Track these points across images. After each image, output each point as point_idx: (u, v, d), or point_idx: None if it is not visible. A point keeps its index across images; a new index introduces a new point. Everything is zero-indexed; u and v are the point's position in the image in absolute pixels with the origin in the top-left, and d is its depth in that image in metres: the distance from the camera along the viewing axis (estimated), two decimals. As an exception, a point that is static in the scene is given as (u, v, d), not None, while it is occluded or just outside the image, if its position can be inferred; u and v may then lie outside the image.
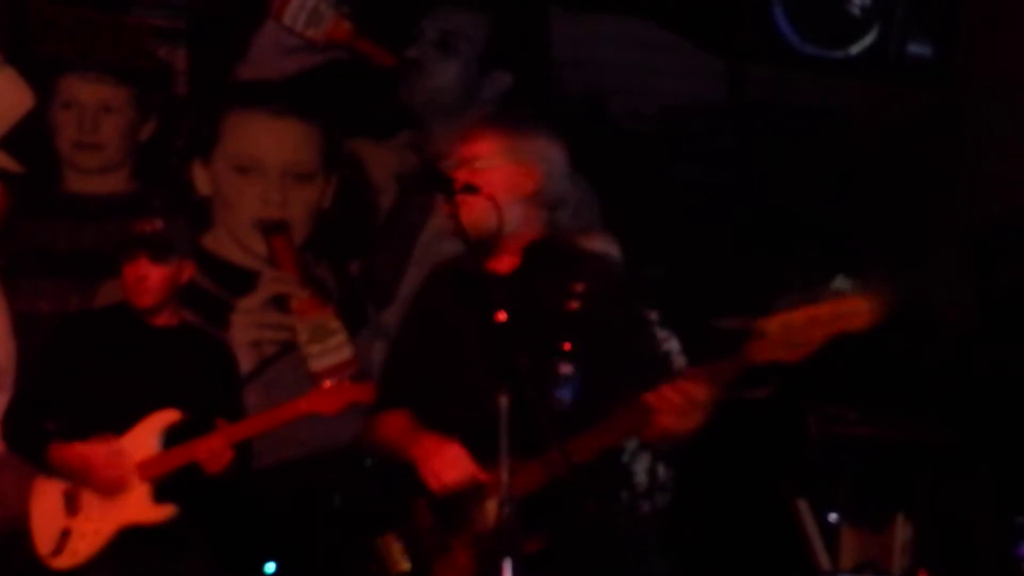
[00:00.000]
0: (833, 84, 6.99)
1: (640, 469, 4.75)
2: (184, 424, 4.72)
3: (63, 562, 4.66)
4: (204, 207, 6.41)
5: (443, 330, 3.84)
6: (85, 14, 6.24)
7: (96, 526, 4.66)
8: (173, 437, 4.72)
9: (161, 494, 4.68)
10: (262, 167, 6.49)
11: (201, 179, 6.43)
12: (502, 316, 3.57)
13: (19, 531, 4.75)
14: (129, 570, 4.67)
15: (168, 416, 4.72)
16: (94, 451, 4.68)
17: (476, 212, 3.72)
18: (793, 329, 3.36)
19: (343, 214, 6.66)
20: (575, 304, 3.74)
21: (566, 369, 3.73)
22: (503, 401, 3.46)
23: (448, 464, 3.64)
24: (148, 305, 4.85)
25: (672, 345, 4.81)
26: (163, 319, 4.90)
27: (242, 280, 6.40)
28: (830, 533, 5.82)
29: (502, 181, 3.73)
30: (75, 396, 4.77)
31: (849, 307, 3.34)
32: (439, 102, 6.85)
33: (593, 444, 3.68)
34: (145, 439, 4.70)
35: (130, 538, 4.67)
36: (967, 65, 6.61)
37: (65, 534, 4.67)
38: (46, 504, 4.72)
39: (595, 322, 3.76)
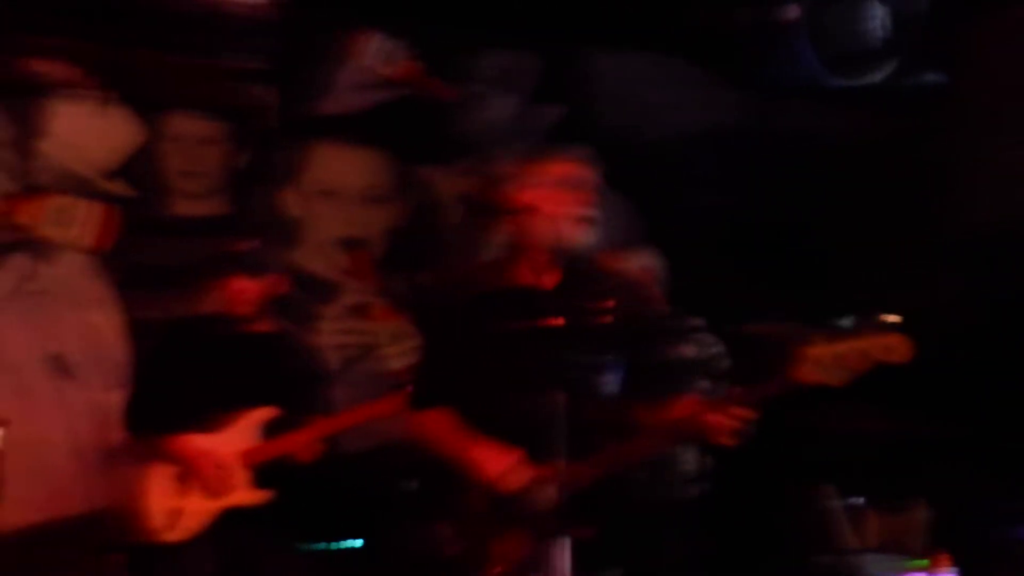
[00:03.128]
0: (832, 109, 6.97)
1: (690, 458, 4.86)
2: (280, 419, 4.81)
3: (173, 537, 4.74)
4: (293, 227, 6.53)
5: (489, 337, 3.81)
6: (185, 59, 6.34)
7: (202, 506, 4.75)
8: (270, 430, 4.81)
9: (259, 480, 4.77)
10: (343, 191, 6.61)
11: (290, 202, 6.55)
12: (559, 322, 3.72)
13: (136, 509, 4.81)
14: (230, 546, 4.74)
15: (266, 412, 4.81)
16: (204, 441, 4.78)
17: (532, 230, 3.78)
18: (842, 357, 3.49)
19: (414, 232, 6.76)
20: (608, 318, 3.79)
21: (607, 377, 3.82)
22: (560, 398, 3.56)
23: (511, 471, 3.67)
24: (245, 314, 4.96)
25: (718, 349, 4.90)
26: (259, 326, 5.00)
27: (327, 291, 6.52)
28: (855, 516, 5.88)
29: (553, 204, 3.77)
30: (184, 392, 4.85)
31: (891, 342, 3.47)
32: (497, 131, 6.94)
33: (642, 449, 3.83)
34: (246, 431, 4.79)
35: (231, 518, 4.75)
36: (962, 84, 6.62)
37: (176, 512, 4.76)
38: (160, 486, 4.80)
39: (626, 334, 3.83)
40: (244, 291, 4.95)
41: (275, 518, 4.77)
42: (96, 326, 6.08)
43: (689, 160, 7.00)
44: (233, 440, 4.80)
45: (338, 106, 6.71)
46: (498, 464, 3.68)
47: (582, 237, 3.80)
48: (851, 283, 6.36)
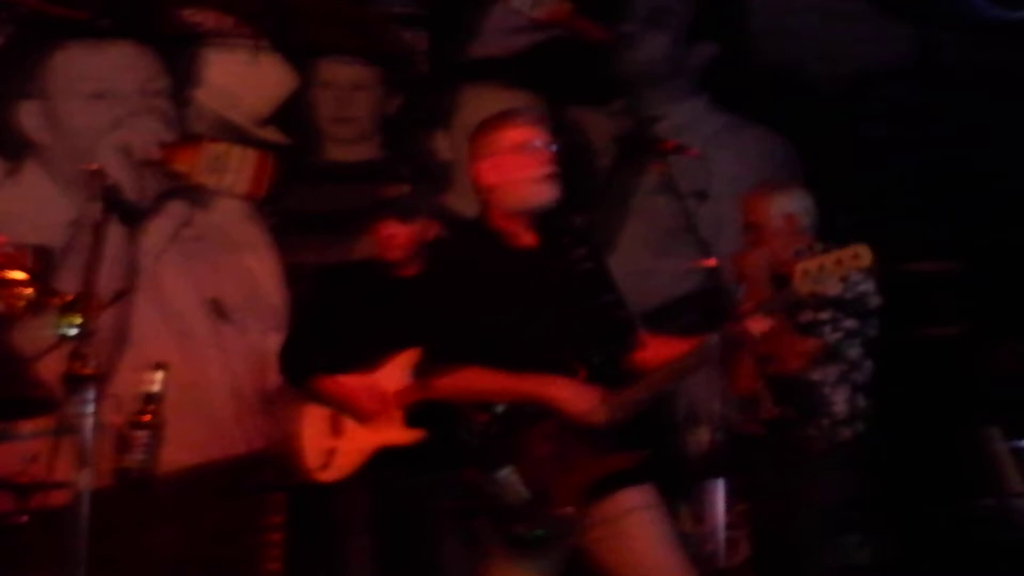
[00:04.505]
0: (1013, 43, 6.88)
1: (840, 399, 4.82)
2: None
3: (328, 476, 4.86)
4: (445, 171, 6.57)
5: (502, 290, 3.93)
6: (336, 6, 6.47)
7: (357, 446, 4.86)
8: (423, 370, 4.78)
9: (411, 420, 4.85)
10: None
11: (442, 146, 6.61)
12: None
13: (293, 449, 4.95)
14: (382, 484, 4.84)
15: (417, 353, 4.77)
16: (356, 383, 4.88)
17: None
18: (824, 268, 3.84)
19: (567, 174, 6.81)
20: (589, 264, 4.00)
21: (618, 315, 4.01)
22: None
23: (582, 393, 3.79)
24: (397, 259, 5.02)
25: (867, 287, 4.88)
26: (410, 270, 5.03)
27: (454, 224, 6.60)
28: (1021, 459, 5.78)
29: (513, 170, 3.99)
30: (337, 336, 4.95)
31: (858, 251, 3.85)
32: (649, 71, 6.94)
33: (668, 378, 3.97)
34: (397, 373, 4.85)
35: (384, 456, 4.85)
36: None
37: (331, 452, 4.88)
38: (315, 427, 4.92)
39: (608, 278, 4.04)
40: (395, 236, 5.02)
41: (424, 457, 4.82)
42: (252, 271, 6.24)
43: (855, 96, 6.93)
44: (386, 380, 4.88)
45: (489, 49, 6.77)
46: (585, 399, 3.79)
47: (548, 195, 3.98)
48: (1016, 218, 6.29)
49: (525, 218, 4.00)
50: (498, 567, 3.87)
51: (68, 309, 3.72)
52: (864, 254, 3.86)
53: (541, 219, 4.02)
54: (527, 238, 4.00)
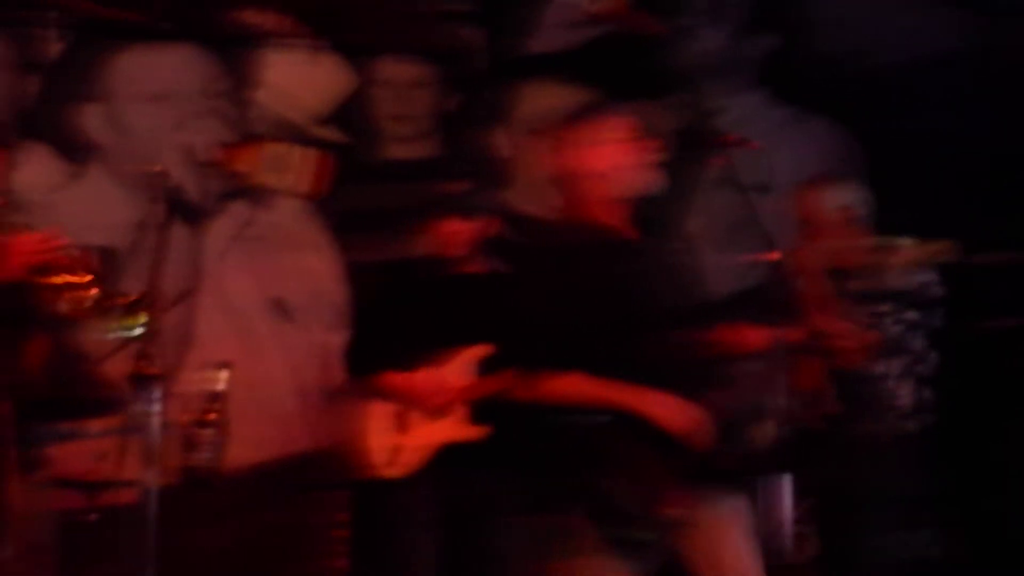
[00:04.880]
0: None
1: (905, 392, 4.82)
2: (495, 356, 4.84)
3: (393, 472, 4.88)
4: (503, 167, 6.61)
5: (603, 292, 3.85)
6: (393, 4, 6.48)
7: (421, 442, 4.88)
8: (486, 368, 4.89)
9: (476, 416, 4.89)
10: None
11: (500, 143, 6.66)
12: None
13: (357, 446, 4.97)
14: (448, 481, 4.87)
15: (481, 350, 4.88)
16: (422, 378, 4.91)
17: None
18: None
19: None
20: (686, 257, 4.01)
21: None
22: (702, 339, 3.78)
23: (684, 410, 3.75)
24: (458, 256, 5.05)
25: (928, 277, 4.86)
26: (472, 267, 5.07)
27: (536, 226, 6.63)
28: None
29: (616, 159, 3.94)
30: (401, 332, 4.95)
31: (941, 247, 3.98)
32: (708, 64, 6.93)
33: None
34: (463, 369, 4.90)
35: (449, 454, 4.88)
36: None
37: (395, 449, 4.89)
38: (380, 423, 4.94)
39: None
40: (457, 233, 5.05)
41: (490, 454, 4.84)
42: (314, 270, 6.29)
43: (915, 85, 6.88)
44: (450, 377, 4.91)
45: (546, 45, 6.78)
46: (689, 417, 3.76)
47: (654, 183, 3.92)
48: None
49: (628, 208, 3.93)
50: (595, 568, 3.84)
51: (132, 309, 3.76)
52: (946, 250, 3.79)
53: (639, 211, 3.95)
54: (629, 230, 3.94)
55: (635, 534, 3.78)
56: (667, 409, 3.74)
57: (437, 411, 4.90)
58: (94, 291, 3.80)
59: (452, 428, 4.90)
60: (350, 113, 6.44)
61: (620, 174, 3.90)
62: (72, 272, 3.82)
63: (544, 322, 3.85)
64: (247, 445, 5.50)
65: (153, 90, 6.16)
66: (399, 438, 4.95)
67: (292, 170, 6.28)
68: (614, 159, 3.89)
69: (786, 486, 4.91)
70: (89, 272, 3.83)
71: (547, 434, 3.89)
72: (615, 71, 6.75)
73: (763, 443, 5.57)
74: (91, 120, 6.08)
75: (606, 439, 3.80)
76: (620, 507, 3.76)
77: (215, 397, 4.80)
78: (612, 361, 3.76)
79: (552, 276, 3.88)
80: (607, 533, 3.78)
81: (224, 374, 4.87)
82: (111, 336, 3.84)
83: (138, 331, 3.76)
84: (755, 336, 3.95)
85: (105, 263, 5.61)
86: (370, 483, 4.96)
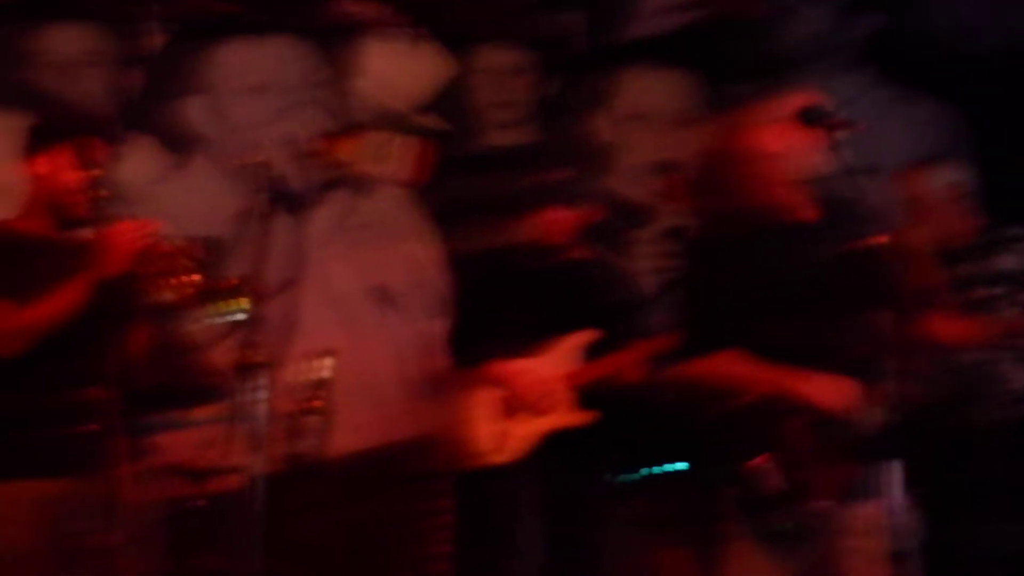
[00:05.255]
0: None
1: (1018, 376, 4.77)
2: (600, 343, 4.88)
3: (497, 458, 4.89)
4: (605, 153, 6.60)
5: (776, 272, 3.80)
6: (490, -7, 6.51)
7: (527, 429, 4.87)
8: (591, 354, 4.90)
9: (582, 402, 4.86)
10: (654, 115, 6.64)
11: (601, 128, 6.62)
12: (877, 240, 3.65)
13: (462, 433, 4.99)
14: (552, 468, 4.85)
15: (586, 336, 4.88)
16: (527, 365, 4.90)
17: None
18: None
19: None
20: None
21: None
22: (885, 320, 3.62)
23: (835, 388, 3.69)
24: (561, 244, 5.04)
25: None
26: (575, 253, 5.06)
27: (641, 215, 6.58)
28: None
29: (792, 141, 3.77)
30: (505, 319, 4.97)
31: None
32: (810, 45, 6.83)
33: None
34: (567, 355, 4.88)
35: (554, 440, 4.86)
36: None
37: (500, 435, 4.90)
38: (485, 410, 4.94)
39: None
40: (559, 221, 5.04)
41: (599, 440, 4.86)
42: (416, 258, 6.33)
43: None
44: (555, 363, 4.91)
45: (645, 29, 6.74)
46: (834, 393, 3.70)
47: (824, 167, 3.76)
48: None
49: (805, 189, 3.84)
50: (744, 556, 3.83)
51: (235, 292, 3.78)
52: None
53: (820, 191, 3.85)
54: (807, 212, 3.86)
55: (782, 525, 3.77)
56: (821, 389, 3.70)
57: (542, 398, 4.89)
58: (197, 277, 3.82)
59: (558, 415, 4.89)
60: (450, 101, 6.47)
61: (798, 155, 3.79)
62: (174, 259, 3.85)
63: (719, 304, 3.84)
64: (351, 433, 5.53)
65: (254, 81, 6.23)
66: (504, 425, 4.95)
67: (393, 159, 6.32)
68: (787, 139, 3.79)
69: (895, 472, 4.84)
70: (191, 259, 3.85)
71: (662, 420, 3.87)
72: (716, 55, 6.72)
73: (872, 429, 5.49)
74: (194, 112, 6.15)
75: (754, 424, 3.78)
76: (767, 495, 3.74)
77: (319, 385, 4.83)
78: (782, 345, 3.73)
79: (733, 260, 3.86)
80: (755, 522, 3.78)
81: (328, 362, 4.90)
82: (215, 321, 3.85)
83: (241, 314, 3.77)
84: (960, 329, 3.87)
85: (209, 253, 5.70)
86: (475, 470, 4.97)
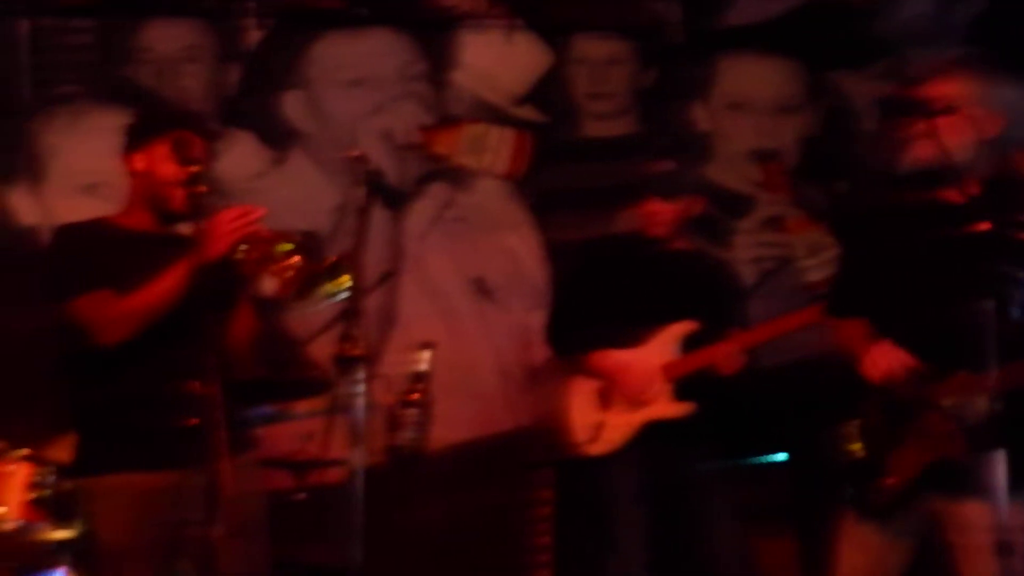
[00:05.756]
0: None
1: None
2: (699, 332, 4.88)
3: (597, 449, 4.90)
4: (704, 142, 6.54)
5: (911, 248, 3.84)
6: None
7: (625, 419, 4.88)
8: (690, 343, 4.90)
9: (681, 393, 4.86)
10: (753, 103, 6.58)
11: (700, 117, 6.58)
12: (983, 228, 3.69)
13: (561, 424, 5.01)
14: (651, 458, 4.85)
15: (686, 326, 4.88)
16: (625, 355, 4.90)
17: (950, 140, 3.73)
18: None
19: (828, 140, 6.68)
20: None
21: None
22: (988, 307, 3.54)
23: (883, 354, 3.75)
24: (661, 235, 5.02)
25: None
26: (676, 245, 5.04)
27: (741, 205, 6.53)
28: None
29: (966, 124, 3.73)
30: (604, 310, 4.97)
31: None
32: (913, 30, 6.74)
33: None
34: (667, 345, 4.88)
35: (653, 430, 4.86)
36: None
37: (599, 426, 4.91)
38: (583, 401, 4.96)
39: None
40: (659, 212, 5.01)
41: (695, 431, 4.85)
42: (513, 250, 6.33)
43: None
44: (654, 354, 4.90)
45: (744, 16, 6.68)
46: (885, 361, 3.75)
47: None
48: None
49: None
50: (849, 526, 3.92)
51: (334, 272, 3.78)
52: None
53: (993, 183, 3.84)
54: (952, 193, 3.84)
55: (849, 494, 3.85)
56: (875, 356, 3.77)
57: (642, 388, 4.88)
58: (296, 259, 3.82)
59: (657, 405, 4.89)
60: (547, 92, 6.44)
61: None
62: (274, 244, 3.86)
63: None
64: (451, 424, 5.55)
65: (352, 75, 6.27)
66: (603, 415, 4.95)
67: (490, 151, 6.32)
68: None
69: (1000, 462, 4.76)
70: (289, 242, 3.86)
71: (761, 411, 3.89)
72: (816, 40, 6.65)
73: (975, 418, 5.40)
74: (292, 107, 6.20)
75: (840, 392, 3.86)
76: (844, 464, 3.83)
77: (419, 377, 4.84)
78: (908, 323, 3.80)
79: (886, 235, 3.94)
80: (838, 491, 3.85)
81: (427, 354, 4.91)
82: (319, 307, 3.86)
83: (343, 295, 3.77)
84: None
85: (308, 246, 5.75)
86: (574, 461, 4.98)
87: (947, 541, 3.83)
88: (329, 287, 3.76)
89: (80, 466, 3.98)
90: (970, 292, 3.60)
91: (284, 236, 3.88)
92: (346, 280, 3.75)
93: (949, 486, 3.77)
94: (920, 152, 3.78)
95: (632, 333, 4.94)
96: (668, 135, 6.50)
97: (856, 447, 3.83)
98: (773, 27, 6.68)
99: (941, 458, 3.75)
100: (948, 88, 3.76)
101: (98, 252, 3.99)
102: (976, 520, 3.70)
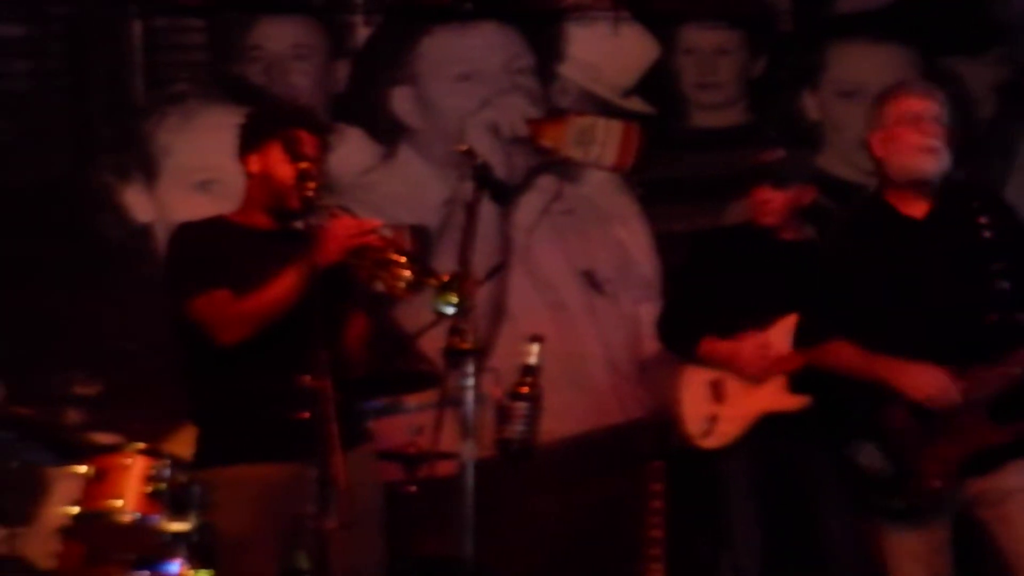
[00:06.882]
0: None
1: None
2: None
3: (711, 443, 4.91)
4: (815, 131, 6.46)
5: (878, 266, 4.01)
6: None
7: (740, 412, 4.87)
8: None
9: (796, 385, 4.81)
10: (865, 90, 6.47)
11: (810, 106, 6.50)
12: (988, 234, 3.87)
13: (674, 417, 5.02)
14: (765, 452, 4.84)
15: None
16: (742, 346, 4.90)
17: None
18: None
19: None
20: (988, 233, 3.92)
21: (1001, 286, 3.89)
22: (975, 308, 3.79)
23: (932, 379, 3.83)
24: (772, 224, 5.00)
25: None
26: (787, 235, 5.02)
27: (853, 194, 6.30)
28: None
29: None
30: (716, 300, 4.97)
31: None
32: (1030, 15, 6.69)
33: None
34: (782, 337, 4.79)
35: (767, 424, 4.84)
36: None
37: (713, 419, 4.91)
38: (696, 393, 4.97)
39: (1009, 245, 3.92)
40: (770, 202, 5.00)
41: (809, 425, 4.80)
42: (623, 242, 6.30)
43: None
44: (769, 346, 4.88)
45: (856, 3, 6.60)
46: (930, 383, 3.83)
47: (929, 167, 4.01)
48: None
49: (915, 189, 4.04)
50: (886, 534, 4.03)
51: (445, 289, 3.84)
52: None
53: (941, 189, 4.03)
54: (915, 209, 4.04)
55: (892, 505, 3.93)
56: (911, 377, 3.85)
57: (759, 378, 4.87)
58: (408, 272, 3.89)
59: (771, 397, 4.87)
60: (655, 83, 6.41)
61: (894, 158, 4.09)
62: (387, 252, 3.93)
63: (824, 292, 4.16)
64: (560, 418, 5.55)
65: (459, 70, 6.31)
66: (716, 408, 4.95)
67: (598, 143, 6.31)
68: (889, 144, 4.11)
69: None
70: (402, 253, 3.93)
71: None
72: (930, 26, 6.54)
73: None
74: (400, 103, 6.25)
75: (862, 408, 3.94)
76: (877, 478, 3.90)
77: (528, 370, 4.85)
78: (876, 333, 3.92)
79: (837, 249, 4.19)
80: (873, 504, 3.97)
81: (536, 347, 4.92)
82: (426, 313, 3.93)
83: (450, 309, 3.84)
84: None
85: (418, 241, 5.80)
86: (687, 454, 4.98)
87: (982, 519, 3.91)
88: (437, 301, 3.83)
89: (201, 458, 4.06)
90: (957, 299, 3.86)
91: (397, 245, 3.95)
92: (453, 298, 3.81)
93: (980, 467, 3.85)
94: None
95: (746, 323, 4.92)
96: (778, 124, 6.44)
97: (887, 457, 3.88)
98: (885, 13, 6.59)
99: (976, 449, 3.83)
100: None
101: (217, 251, 4.06)
102: (1013, 483, 3.84)
